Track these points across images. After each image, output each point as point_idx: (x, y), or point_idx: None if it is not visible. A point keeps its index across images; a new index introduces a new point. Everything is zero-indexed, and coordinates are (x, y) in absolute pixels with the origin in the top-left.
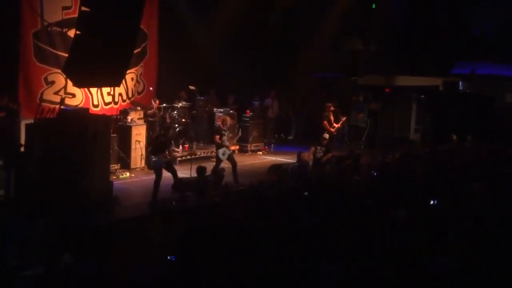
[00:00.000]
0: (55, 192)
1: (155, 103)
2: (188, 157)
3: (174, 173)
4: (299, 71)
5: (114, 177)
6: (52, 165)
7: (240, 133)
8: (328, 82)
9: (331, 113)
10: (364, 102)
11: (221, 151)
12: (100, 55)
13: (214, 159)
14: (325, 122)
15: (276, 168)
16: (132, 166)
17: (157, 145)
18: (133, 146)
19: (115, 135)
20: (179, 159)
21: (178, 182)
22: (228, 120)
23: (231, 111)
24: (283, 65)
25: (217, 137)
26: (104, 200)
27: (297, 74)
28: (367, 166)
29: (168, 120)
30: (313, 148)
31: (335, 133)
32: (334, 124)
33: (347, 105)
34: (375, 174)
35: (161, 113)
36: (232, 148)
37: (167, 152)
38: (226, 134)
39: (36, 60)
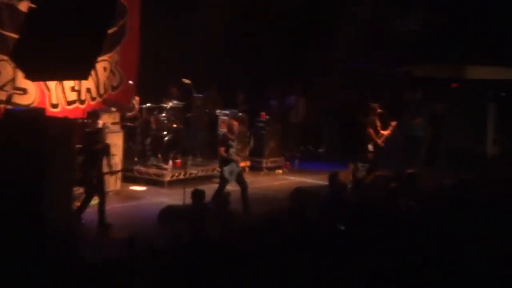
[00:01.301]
0: None
1: (135, 102)
2: (181, 176)
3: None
4: (332, 60)
5: (78, 203)
6: None
7: (252, 144)
8: (370, 75)
9: (377, 117)
10: (423, 101)
11: (227, 168)
12: (62, 36)
13: (217, 180)
14: (370, 129)
15: (301, 193)
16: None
17: (88, 157)
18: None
19: (80, 146)
20: (168, 179)
21: (166, 211)
22: (236, 125)
23: (239, 114)
24: (310, 53)
25: (222, 149)
26: (64, 238)
27: (329, 64)
28: (427, 192)
29: (153, 126)
30: (352, 166)
31: (382, 144)
32: (382, 132)
33: (398, 106)
34: (438, 203)
35: (144, 115)
36: (242, 164)
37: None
38: (234, 145)
39: None
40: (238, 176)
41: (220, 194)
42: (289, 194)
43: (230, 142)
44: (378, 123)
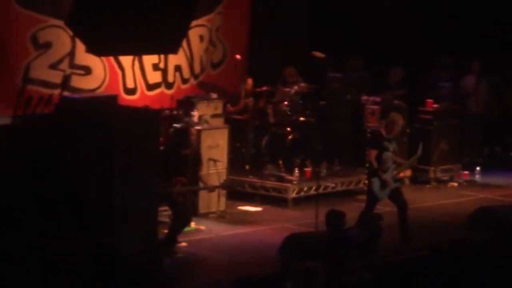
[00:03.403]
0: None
1: (246, 85)
2: (312, 191)
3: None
4: None
5: (166, 230)
6: (47, 204)
7: (420, 152)
8: None
9: None
10: None
11: (377, 180)
12: None
13: (364, 197)
14: None
15: (486, 214)
16: (201, 209)
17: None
18: (203, 170)
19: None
20: (293, 195)
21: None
22: (402, 123)
23: (395, 101)
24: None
25: (373, 153)
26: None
27: None
28: None
29: (271, 119)
30: None
31: None
32: None
33: None
34: None
35: (259, 105)
36: (400, 174)
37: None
38: (391, 148)
39: (17, 2)
40: (395, 192)
41: (369, 218)
42: (469, 216)
43: (386, 144)
44: None
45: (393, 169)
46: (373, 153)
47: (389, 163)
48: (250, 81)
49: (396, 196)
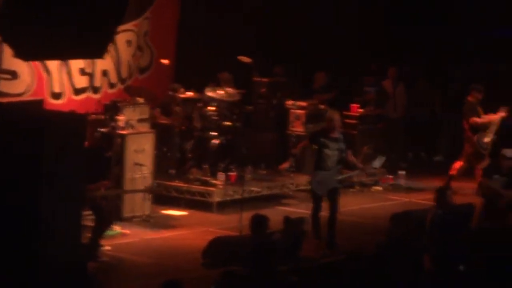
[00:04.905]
0: None
1: (176, 93)
2: (237, 196)
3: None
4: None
5: (89, 234)
6: None
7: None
8: None
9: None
10: None
11: (314, 176)
12: None
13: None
14: (472, 119)
15: (403, 219)
16: (126, 213)
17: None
18: (127, 175)
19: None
20: (218, 199)
21: (214, 245)
22: (337, 117)
23: (321, 107)
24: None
25: (303, 142)
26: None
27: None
28: None
29: (197, 124)
30: (481, 180)
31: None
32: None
33: None
34: None
35: (185, 110)
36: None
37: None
38: (333, 146)
39: None
40: (332, 193)
41: (292, 221)
42: (389, 221)
43: (326, 141)
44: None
45: (337, 170)
46: (304, 143)
47: (328, 162)
48: (182, 90)
49: (332, 198)
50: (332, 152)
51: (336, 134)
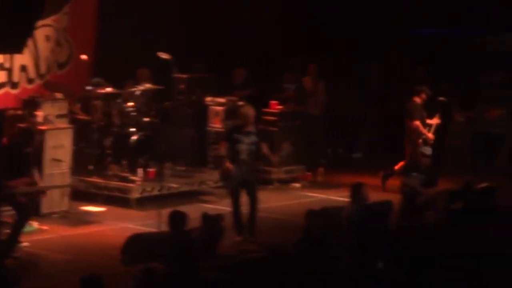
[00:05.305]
0: None
1: (99, 87)
2: (155, 192)
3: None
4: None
5: (8, 230)
6: None
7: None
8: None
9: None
10: (503, 86)
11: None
12: None
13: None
14: (416, 122)
15: (319, 216)
16: (44, 209)
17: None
18: (46, 170)
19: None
20: (136, 196)
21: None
22: (251, 112)
23: (240, 103)
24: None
25: (223, 144)
26: None
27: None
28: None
29: (116, 120)
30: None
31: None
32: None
33: (471, 92)
34: None
35: (104, 105)
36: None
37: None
38: (247, 140)
39: None
40: (249, 186)
41: (210, 217)
42: (304, 217)
43: (239, 136)
44: (438, 117)
45: (252, 163)
46: (223, 144)
47: (242, 156)
48: (105, 85)
49: (249, 191)
50: (246, 146)
51: (250, 128)
